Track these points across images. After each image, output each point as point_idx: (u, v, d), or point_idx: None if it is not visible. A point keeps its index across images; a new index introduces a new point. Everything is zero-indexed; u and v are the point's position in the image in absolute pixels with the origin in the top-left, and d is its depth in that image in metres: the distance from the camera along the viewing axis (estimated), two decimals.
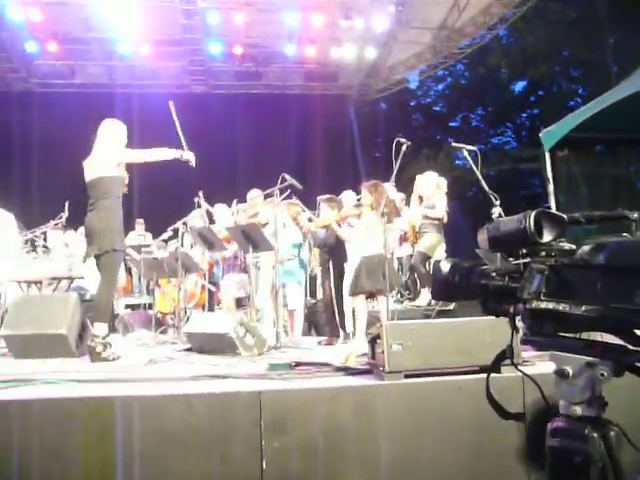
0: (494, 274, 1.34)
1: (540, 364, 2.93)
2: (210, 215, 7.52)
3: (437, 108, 22.78)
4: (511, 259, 1.33)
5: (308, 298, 7.65)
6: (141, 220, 10.40)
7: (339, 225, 5.84)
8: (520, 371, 1.42)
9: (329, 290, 5.99)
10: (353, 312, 5.72)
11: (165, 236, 7.61)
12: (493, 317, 3.11)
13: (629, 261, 1.12)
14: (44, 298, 5.61)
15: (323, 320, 6.67)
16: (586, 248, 1.19)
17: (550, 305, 1.21)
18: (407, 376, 2.90)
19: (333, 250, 6.08)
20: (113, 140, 4.77)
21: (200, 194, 7.22)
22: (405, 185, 8.03)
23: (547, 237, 1.24)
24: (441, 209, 6.93)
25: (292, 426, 2.72)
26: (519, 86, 20.90)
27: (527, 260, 1.44)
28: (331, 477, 2.70)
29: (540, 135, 7.48)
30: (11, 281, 6.36)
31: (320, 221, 6.26)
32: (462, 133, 20.87)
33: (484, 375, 2.95)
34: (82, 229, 7.97)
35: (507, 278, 1.31)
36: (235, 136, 14.13)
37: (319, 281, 7.79)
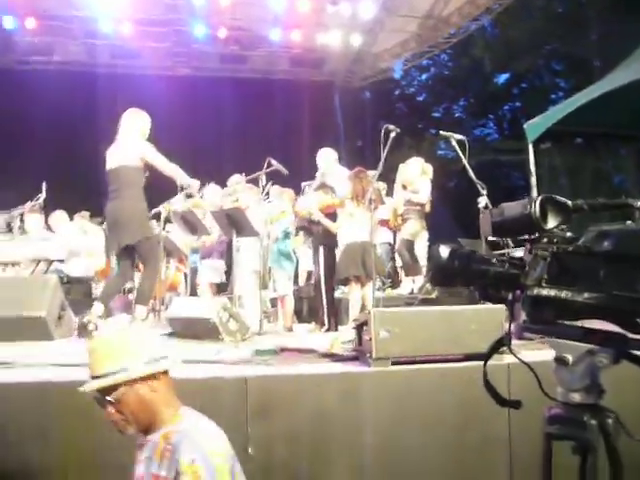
0: (494, 260, 1.32)
1: (525, 352, 2.94)
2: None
3: (420, 98, 22.77)
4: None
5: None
6: None
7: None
8: (518, 359, 1.41)
9: (317, 276, 5.93)
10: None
11: None
12: (479, 305, 3.10)
13: (634, 249, 1.11)
14: (22, 280, 5.49)
15: (307, 307, 6.67)
16: (589, 235, 1.18)
17: (552, 292, 1.20)
18: (394, 363, 2.90)
19: (324, 236, 5.97)
20: (138, 132, 4.84)
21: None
22: (387, 174, 8.01)
23: (551, 223, 1.23)
24: (425, 194, 6.85)
25: (278, 412, 2.71)
26: (502, 78, 20.96)
27: (508, 250, 1.43)
28: (317, 464, 2.70)
29: (524, 127, 7.50)
30: None
31: (303, 211, 6.25)
32: (444, 123, 20.88)
33: (470, 363, 2.98)
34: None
35: (507, 264, 1.30)
36: (219, 119, 13.94)
37: (301, 267, 7.77)
